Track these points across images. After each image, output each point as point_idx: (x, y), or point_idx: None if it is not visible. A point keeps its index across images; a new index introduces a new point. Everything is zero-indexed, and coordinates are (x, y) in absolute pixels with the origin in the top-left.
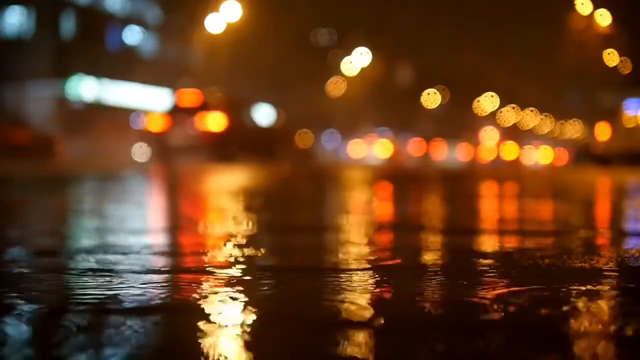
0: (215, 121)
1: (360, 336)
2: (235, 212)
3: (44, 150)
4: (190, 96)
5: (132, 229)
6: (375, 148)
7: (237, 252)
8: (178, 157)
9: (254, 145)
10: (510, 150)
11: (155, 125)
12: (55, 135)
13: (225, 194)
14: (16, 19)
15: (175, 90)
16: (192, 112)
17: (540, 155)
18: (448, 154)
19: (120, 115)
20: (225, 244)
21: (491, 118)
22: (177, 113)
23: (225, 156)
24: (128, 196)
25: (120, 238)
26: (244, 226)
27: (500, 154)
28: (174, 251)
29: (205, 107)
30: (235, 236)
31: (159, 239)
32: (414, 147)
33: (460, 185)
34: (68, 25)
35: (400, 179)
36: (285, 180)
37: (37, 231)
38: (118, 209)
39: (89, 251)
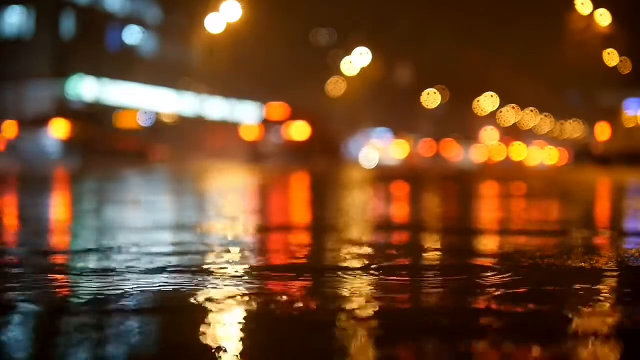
0: (299, 131)
1: (360, 336)
2: (249, 213)
3: (143, 154)
4: (278, 109)
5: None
6: (392, 149)
7: (237, 251)
8: (268, 161)
9: (325, 150)
10: (518, 151)
11: (250, 135)
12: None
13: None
14: (16, 19)
15: (264, 104)
16: (279, 123)
17: (545, 156)
18: (463, 154)
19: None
20: (228, 244)
21: (491, 118)
22: (267, 124)
23: (306, 160)
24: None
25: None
26: (248, 227)
27: (509, 154)
28: (175, 251)
29: (290, 118)
30: (237, 236)
31: (163, 238)
32: (425, 147)
33: (468, 186)
34: (68, 25)
35: (416, 179)
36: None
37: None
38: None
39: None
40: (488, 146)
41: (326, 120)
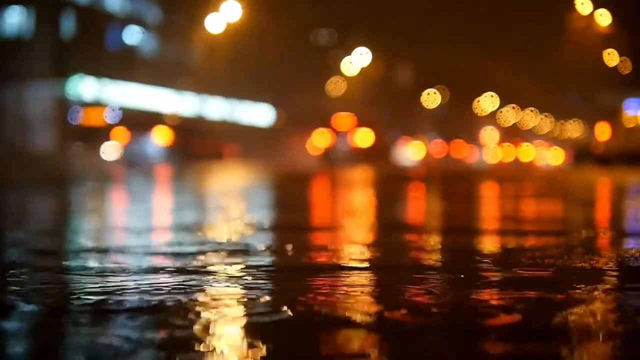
0: (364, 138)
1: (360, 335)
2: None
3: (218, 154)
4: (346, 119)
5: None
6: (409, 150)
7: (238, 251)
8: (339, 165)
9: (384, 154)
10: (526, 152)
11: (323, 142)
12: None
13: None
14: (16, 19)
15: (333, 116)
16: (346, 131)
17: (551, 156)
18: (477, 155)
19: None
20: (228, 244)
21: (491, 118)
22: (337, 132)
23: (371, 162)
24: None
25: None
26: (251, 226)
27: (518, 155)
28: (175, 251)
29: (356, 127)
30: (239, 236)
31: (161, 239)
32: (436, 148)
33: (478, 186)
34: (68, 25)
35: (428, 179)
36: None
37: None
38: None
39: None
40: (500, 147)
41: (383, 127)
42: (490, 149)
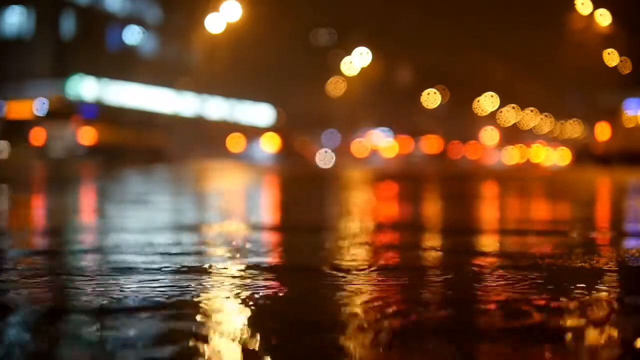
0: (432, 144)
1: (358, 336)
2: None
3: (303, 155)
4: (419, 125)
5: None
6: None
7: (239, 250)
8: (418, 166)
9: (446, 156)
10: (536, 153)
11: (403, 148)
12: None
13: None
14: (16, 19)
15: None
16: (420, 138)
17: (558, 157)
18: (496, 157)
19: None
20: (230, 243)
21: (491, 118)
22: (415, 137)
23: (438, 164)
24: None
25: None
26: (254, 225)
27: (529, 156)
28: (176, 250)
29: (426, 135)
30: (240, 236)
31: (162, 238)
32: (453, 149)
33: (485, 186)
34: (68, 25)
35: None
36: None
37: None
38: None
39: None
40: (515, 148)
41: (446, 134)
42: (508, 150)
